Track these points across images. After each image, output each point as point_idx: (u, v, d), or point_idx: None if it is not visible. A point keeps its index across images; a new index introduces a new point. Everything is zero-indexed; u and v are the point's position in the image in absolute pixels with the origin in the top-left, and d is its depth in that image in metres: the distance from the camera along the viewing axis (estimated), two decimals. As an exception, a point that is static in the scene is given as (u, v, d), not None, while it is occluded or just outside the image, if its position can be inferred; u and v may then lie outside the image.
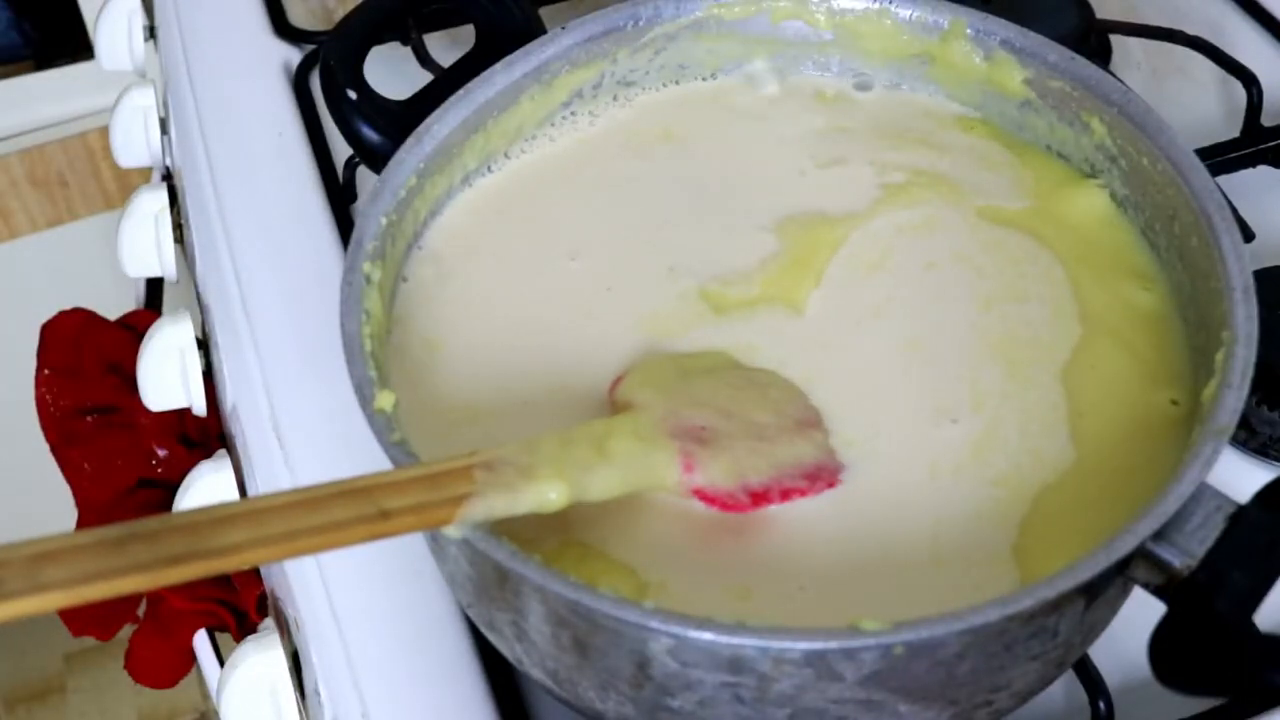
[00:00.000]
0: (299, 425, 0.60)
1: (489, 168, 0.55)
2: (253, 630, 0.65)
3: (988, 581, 0.43)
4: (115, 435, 0.77)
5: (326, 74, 0.57)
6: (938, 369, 0.49)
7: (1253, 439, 0.59)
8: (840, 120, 0.57)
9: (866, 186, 0.55)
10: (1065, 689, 0.51)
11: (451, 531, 0.40)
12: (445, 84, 0.54)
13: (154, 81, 0.84)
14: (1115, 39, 0.75)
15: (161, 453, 0.76)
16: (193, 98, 0.75)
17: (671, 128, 0.57)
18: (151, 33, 0.86)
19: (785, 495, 0.45)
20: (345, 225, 0.68)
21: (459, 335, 0.50)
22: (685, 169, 0.56)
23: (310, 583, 0.55)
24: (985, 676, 0.41)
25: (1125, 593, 0.43)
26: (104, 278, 1.08)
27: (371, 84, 0.57)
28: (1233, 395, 0.42)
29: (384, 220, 0.49)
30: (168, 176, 0.83)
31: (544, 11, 0.62)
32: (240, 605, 0.69)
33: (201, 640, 0.72)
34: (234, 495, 0.65)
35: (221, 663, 0.67)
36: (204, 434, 0.75)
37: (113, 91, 0.85)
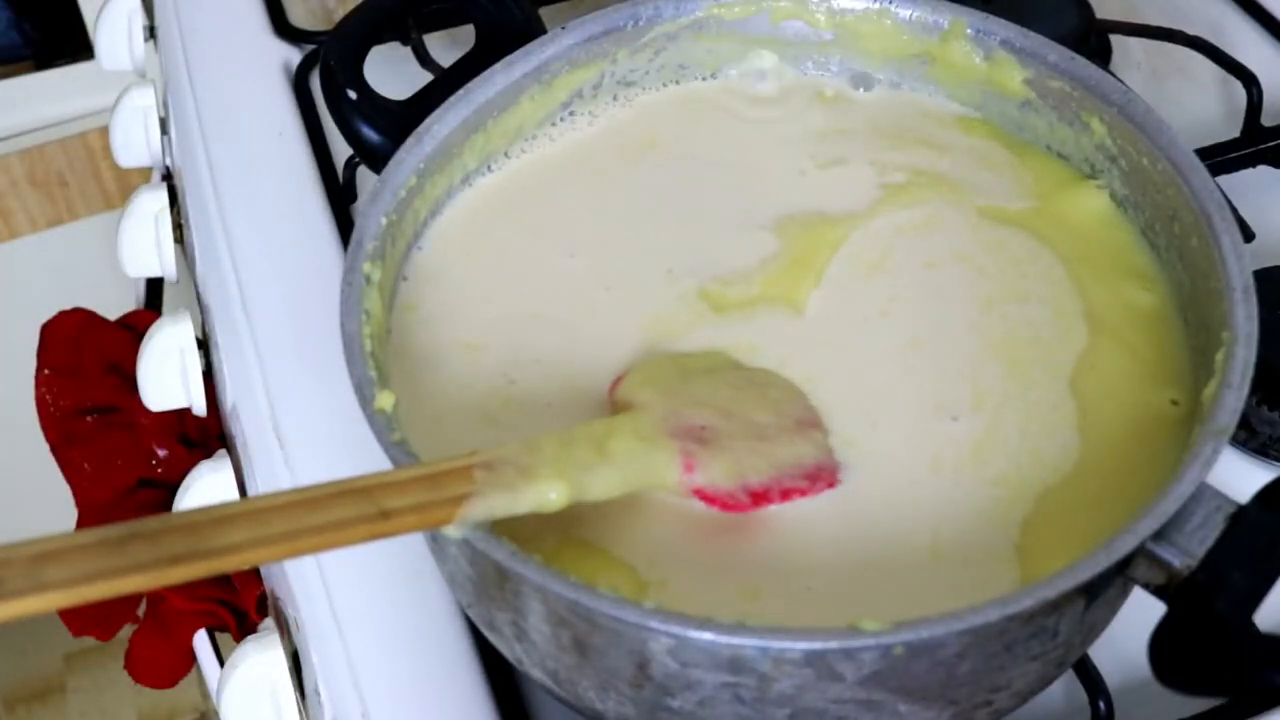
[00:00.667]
0: (299, 425, 0.60)
1: (489, 168, 0.55)
2: (253, 630, 0.65)
3: (988, 581, 0.43)
4: (115, 435, 0.77)
5: (326, 74, 0.57)
6: (938, 369, 0.49)
7: (1253, 439, 0.59)
8: (840, 120, 0.57)
9: (867, 186, 0.55)
10: (1065, 689, 0.51)
11: (451, 531, 0.40)
12: (445, 84, 0.54)
13: (154, 81, 0.84)
14: (1115, 39, 0.75)
15: (161, 453, 0.76)
16: (193, 98, 0.75)
17: (671, 128, 0.57)
18: (151, 33, 0.86)
19: (785, 495, 0.45)
20: (345, 225, 0.68)
21: (459, 335, 0.50)
22: (685, 169, 0.56)
23: (310, 583, 0.55)
24: (985, 676, 0.41)
25: (1125, 593, 0.43)
26: (104, 278, 1.08)
27: (371, 84, 0.57)
28: (1233, 395, 0.42)
29: (384, 220, 0.49)
30: (168, 176, 0.83)
31: (544, 11, 0.62)
32: (240, 605, 0.69)
33: (201, 640, 0.72)
34: (234, 495, 0.65)
35: (221, 663, 0.67)
36: (204, 434, 0.75)
37: (113, 91, 0.85)
